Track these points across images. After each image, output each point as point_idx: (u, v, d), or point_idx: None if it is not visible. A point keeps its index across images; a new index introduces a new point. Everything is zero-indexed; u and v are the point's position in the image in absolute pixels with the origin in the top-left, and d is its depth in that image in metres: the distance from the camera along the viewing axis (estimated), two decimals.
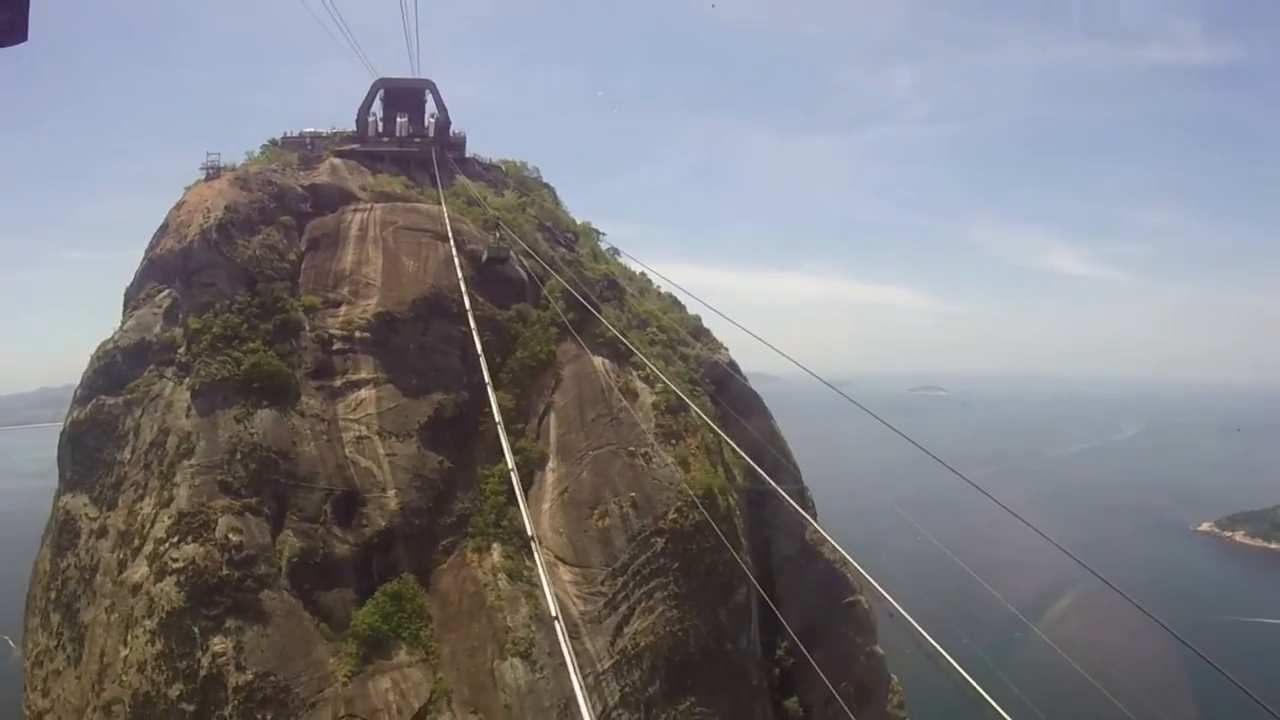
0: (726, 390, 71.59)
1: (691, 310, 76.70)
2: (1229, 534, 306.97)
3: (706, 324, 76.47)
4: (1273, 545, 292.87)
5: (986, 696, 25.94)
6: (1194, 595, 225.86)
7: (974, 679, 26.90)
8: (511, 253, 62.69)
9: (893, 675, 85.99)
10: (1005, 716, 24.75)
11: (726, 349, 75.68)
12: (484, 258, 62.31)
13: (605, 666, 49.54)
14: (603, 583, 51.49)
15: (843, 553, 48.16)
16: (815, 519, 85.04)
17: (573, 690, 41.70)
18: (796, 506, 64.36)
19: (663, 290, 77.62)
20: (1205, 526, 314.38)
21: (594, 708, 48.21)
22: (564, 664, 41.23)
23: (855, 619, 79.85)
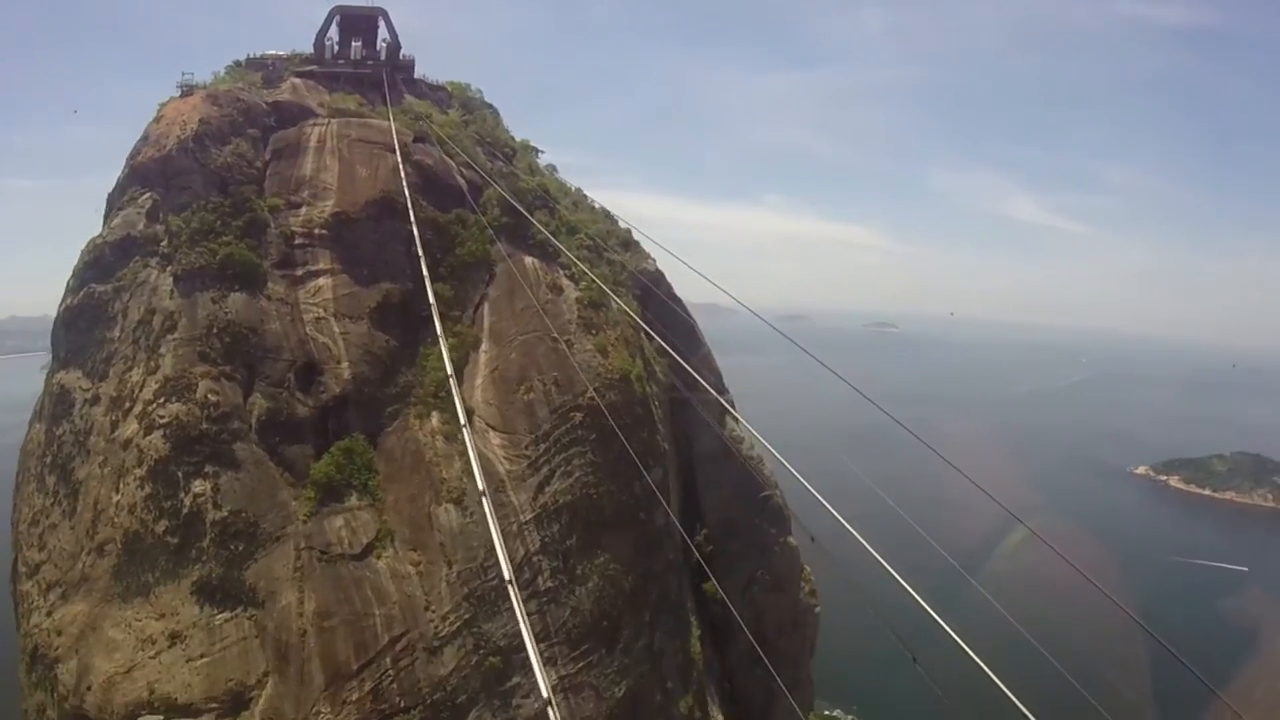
0: (652, 297, 79.96)
1: (646, 246, 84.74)
2: (1164, 478, 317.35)
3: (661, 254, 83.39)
4: (1205, 491, 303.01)
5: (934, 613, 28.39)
6: (1133, 536, 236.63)
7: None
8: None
9: (805, 565, 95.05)
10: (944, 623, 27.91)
11: (654, 259, 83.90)
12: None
13: (528, 518, 58.04)
14: (527, 448, 59.89)
15: (766, 445, 50.34)
16: (737, 422, 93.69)
17: (499, 530, 51.17)
18: (714, 391, 72.02)
19: (597, 206, 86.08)
20: (1141, 470, 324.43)
21: (518, 551, 57.02)
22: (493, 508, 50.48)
23: (770, 512, 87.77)
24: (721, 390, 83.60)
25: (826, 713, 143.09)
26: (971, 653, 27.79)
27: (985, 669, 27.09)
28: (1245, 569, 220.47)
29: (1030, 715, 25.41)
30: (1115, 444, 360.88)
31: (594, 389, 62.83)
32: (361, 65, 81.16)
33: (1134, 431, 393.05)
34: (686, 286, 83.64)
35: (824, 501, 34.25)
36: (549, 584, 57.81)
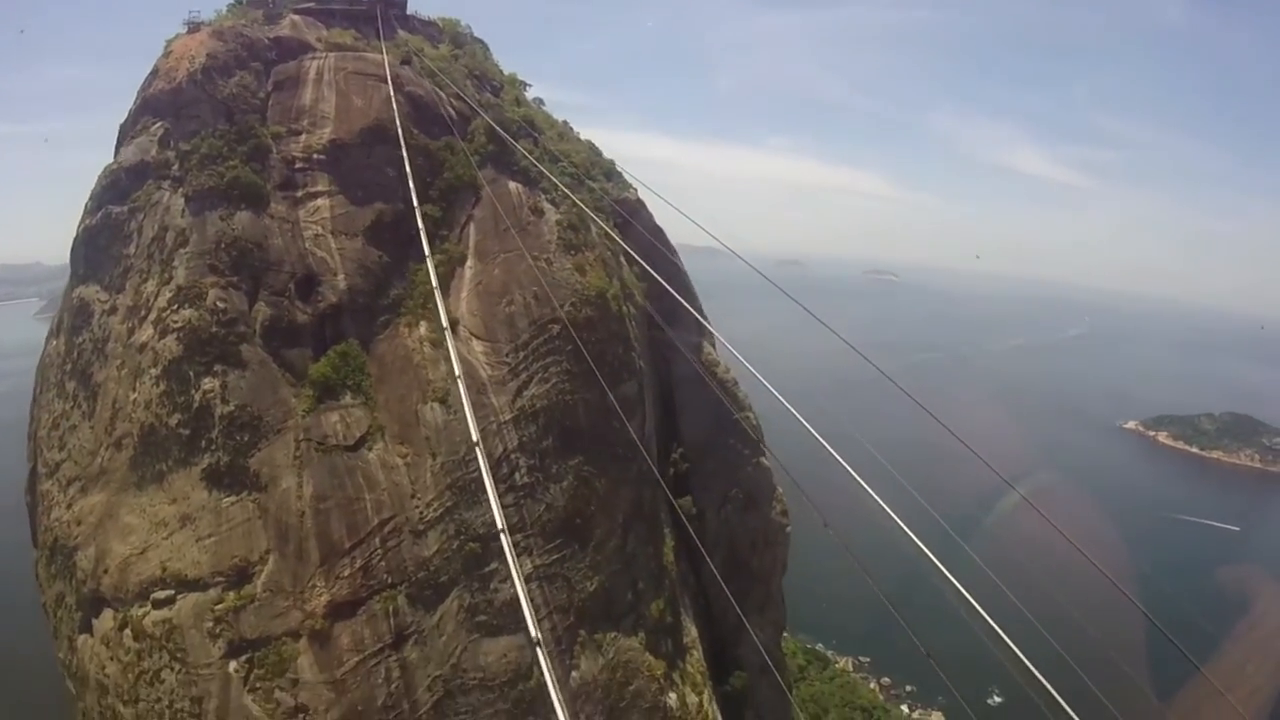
0: (633, 227, 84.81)
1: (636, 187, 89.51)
2: (1152, 433, 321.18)
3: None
4: (1192, 449, 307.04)
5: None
6: (1123, 490, 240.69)
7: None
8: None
9: (777, 486, 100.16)
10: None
11: (635, 190, 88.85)
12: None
13: (507, 418, 63.22)
14: (507, 355, 64.91)
15: (743, 362, 51.22)
16: (714, 347, 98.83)
17: (479, 427, 56.69)
18: (694, 310, 76.24)
19: (583, 138, 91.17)
20: (1131, 425, 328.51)
21: (496, 448, 62.34)
22: (473, 409, 55.92)
23: (744, 433, 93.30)
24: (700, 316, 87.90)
25: (807, 645, 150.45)
26: (967, 593, 29.13)
27: (982, 613, 28.32)
28: (1237, 529, 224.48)
29: (1020, 653, 27.41)
30: (1107, 399, 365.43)
31: (570, 304, 68.08)
32: (356, 2, 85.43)
33: (1127, 387, 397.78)
34: (683, 231, 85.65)
35: (804, 421, 36.69)
36: (525, 480, 62.91)
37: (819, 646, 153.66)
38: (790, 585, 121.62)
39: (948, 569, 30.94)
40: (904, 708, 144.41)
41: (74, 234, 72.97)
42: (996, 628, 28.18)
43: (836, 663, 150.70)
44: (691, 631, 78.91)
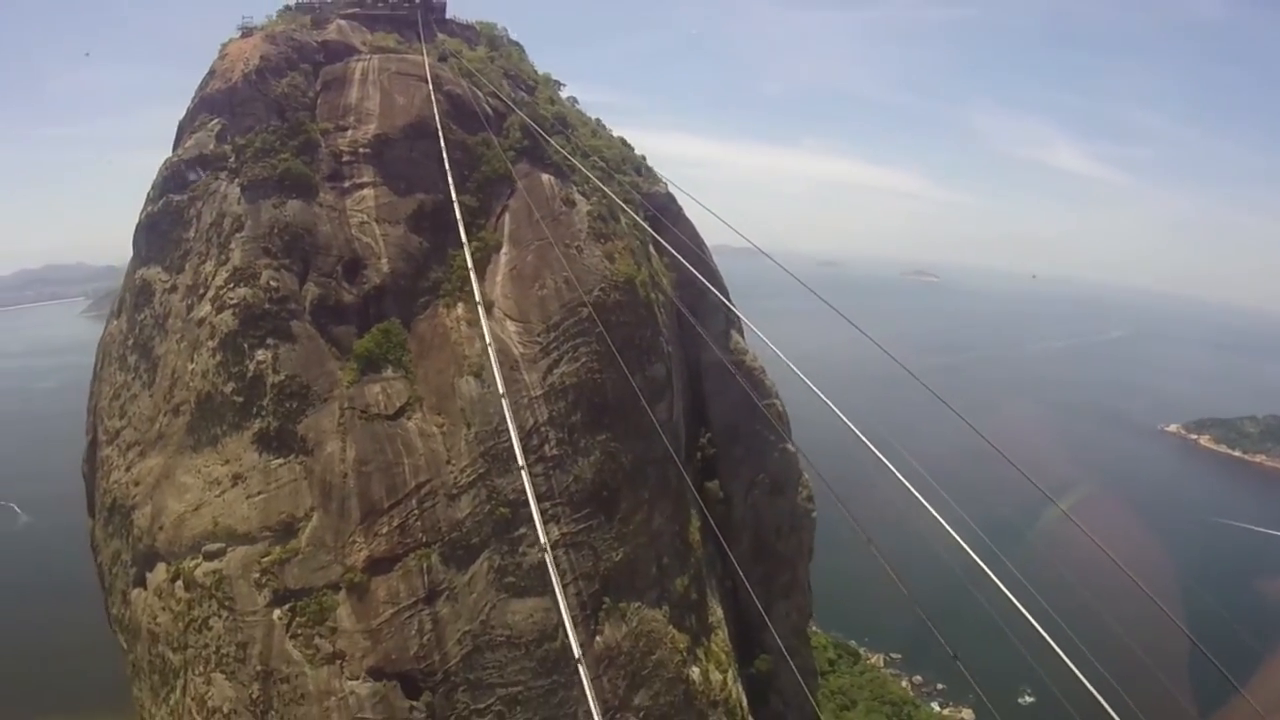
0: (665, 216, 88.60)
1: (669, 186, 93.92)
2: (1194, 436, 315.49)
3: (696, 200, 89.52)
4: (1236, 452, 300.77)
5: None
6: (1168, 495, 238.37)
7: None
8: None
9: (803, 472, 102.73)
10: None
11: (665, 184, 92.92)
12: None
13: (538, 393, 66.95)
14: (539, 335, 68.67)
15: (774, 349, 54.58)
16: (743, 336, 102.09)
17: (512, 401, 60.65)
18: (716, 291, 78.96)
19: (615, 135, 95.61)
20: (1173, 428, 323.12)
21: (527, 420, 66.25)
22: (506, 383, 60.00)
23: (772, 418, 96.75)
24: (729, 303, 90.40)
25: (838, 640, 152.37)
26: (1006, 591, 29.73)
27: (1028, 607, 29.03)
28: None
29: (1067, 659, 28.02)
30: (1148, 401, 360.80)
31: (599, 289, 71.94)
32: (398, 7, 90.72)
33: (1167, 390, 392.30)
34: (723, 232, 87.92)
35: (834, 408, 37.98)
36: (554, 452, 66.55)
37: (851, 643, 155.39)
38: (825, 585, 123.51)
39: (984, 571, 31.32)
40: (934, 705, 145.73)
41: (136, 221, 78.24)
42: (1038, 627, 28.90)
43: (868, 659, 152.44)
44: (717, 612, 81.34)
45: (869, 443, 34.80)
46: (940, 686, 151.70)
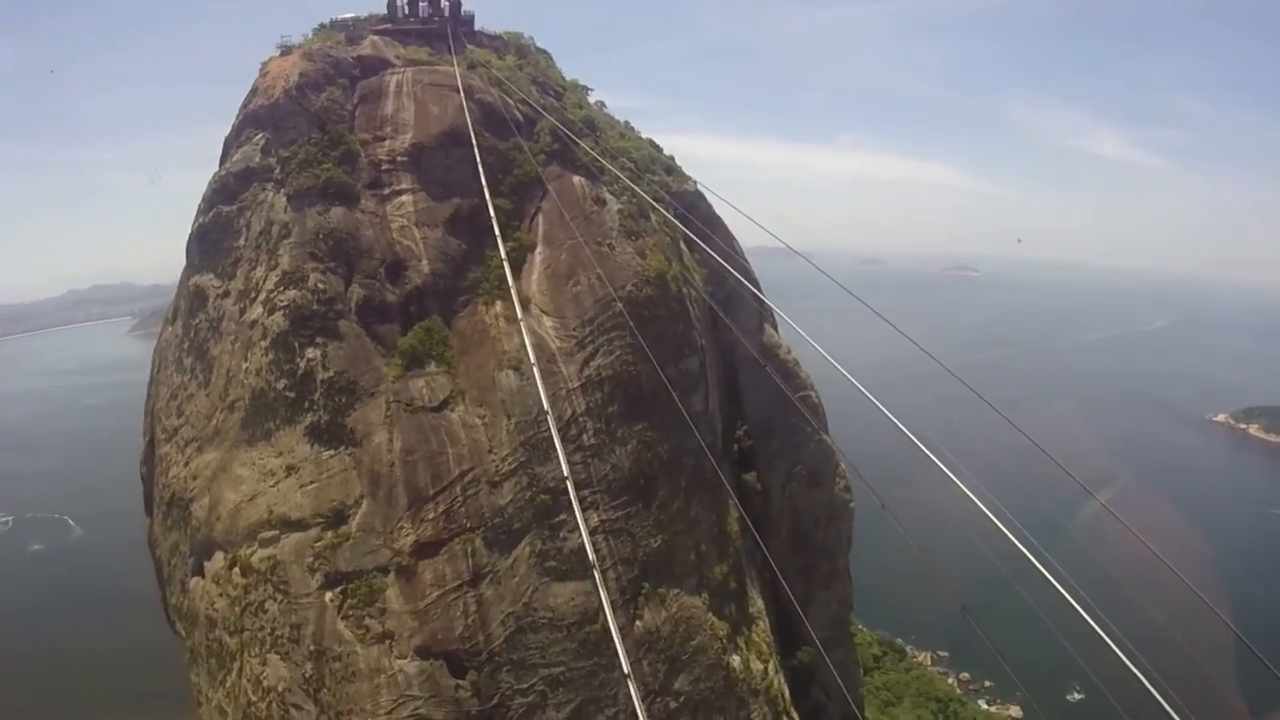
0: (695, 214, 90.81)
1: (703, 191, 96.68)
2: (1243, 426, 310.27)
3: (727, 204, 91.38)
4: None
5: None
6: (1217, 486, 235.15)
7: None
8: None
9: (840, 462, 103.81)
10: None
11: (694, 182, 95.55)
12: None
13: (575, 385, 69.07)
14: (574, 329, 70.99)
15: (809, 340, 55.19)
16: (776, 330, 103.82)
17: (550, 393, 63.20)
18: (746, 281, 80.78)
19: (643, 137, 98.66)
20: (1221, 417, 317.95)
21: (565, 411, 68.49)
22: (544, 376, 62.66)
23: (807, 411, 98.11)
24: (760, 299, 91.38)
25: (884, 638, 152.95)
26: (1059, 585, 29.11)
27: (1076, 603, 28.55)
28: None
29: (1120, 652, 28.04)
30: (1195, 391, 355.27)
31: (631, 284, 74.31)
32: (428, 22, 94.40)
33: (1214, 379, 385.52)
34: (760, 233, 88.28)
35: (869, 395, 38.28)
36: (592, 441, 68.63)
37: (898, 641, 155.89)
38: (870, 583, 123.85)
39: (1028, 567, 31.09)
40: (981, 702, 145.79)
41: (186, 234, 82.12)
42: (1092, 623, 28.76)
43: (915, 657, 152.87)
44: (758, 603, 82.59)
45: (910, 433, 34.63)
46: (988, 684, 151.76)
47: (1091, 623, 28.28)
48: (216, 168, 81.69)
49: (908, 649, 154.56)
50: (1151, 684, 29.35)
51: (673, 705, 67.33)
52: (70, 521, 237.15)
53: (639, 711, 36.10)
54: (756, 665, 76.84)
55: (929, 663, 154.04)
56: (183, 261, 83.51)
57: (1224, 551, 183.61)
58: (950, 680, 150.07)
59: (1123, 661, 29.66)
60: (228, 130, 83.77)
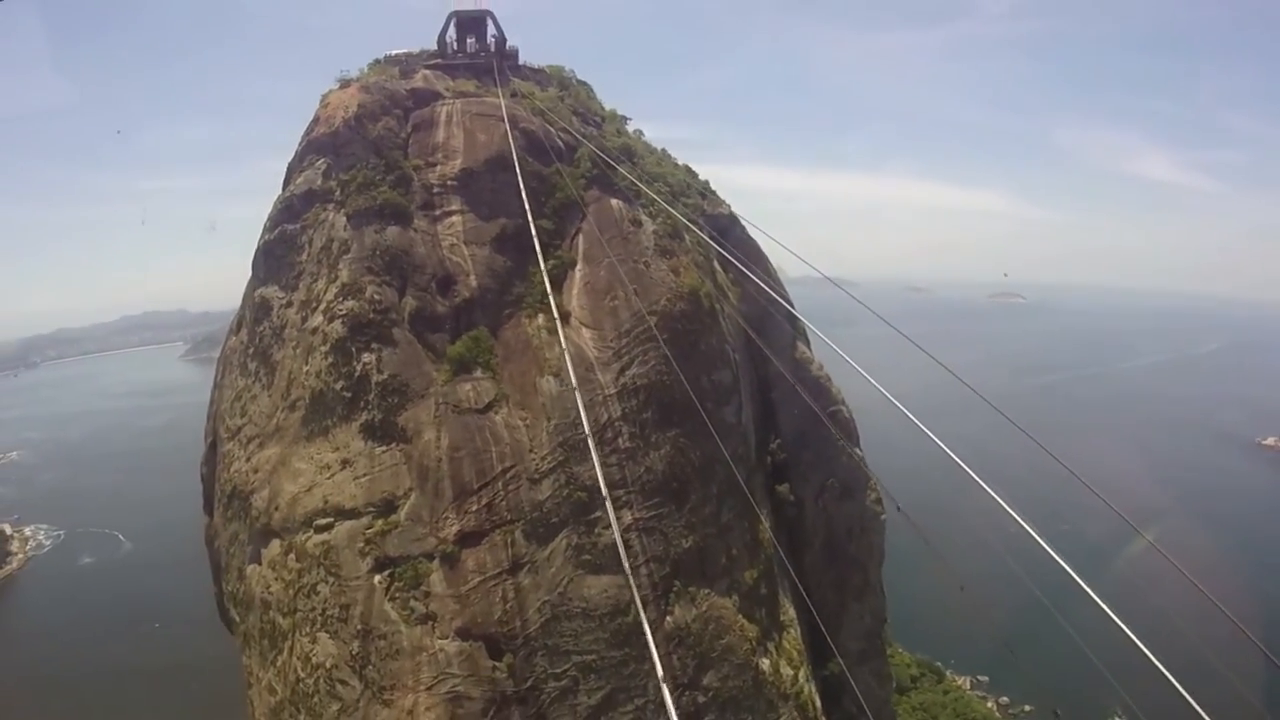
0: (728, 237, 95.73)
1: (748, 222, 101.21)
2: None
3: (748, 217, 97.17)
4: None
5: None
6: (1269, 512, 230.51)
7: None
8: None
9: (870, 475, 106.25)
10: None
11: (728, 205, 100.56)
12: None
13: (611, 392, 73.47)
14: (611, 340, 75.57)
15: (843, 355, 56.45)
16: (809, 348, 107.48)
17: (587, 399, 67.75)
18: (777, 296, 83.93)
19: (679, 164, 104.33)
20: (1270, 440, 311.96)
21: (602, 415, 72.82)
22: (582, 383, 67.33)
23: (838, 425, 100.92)
24: (793, 319, 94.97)
25: (917, 658, 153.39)
26: (1107, 608, 28.92)
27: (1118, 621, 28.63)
28: None
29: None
30: (1245, 414, 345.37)
31: (666, 299, 78.88)
32: (475, 57, 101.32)
33: (1264, 401, 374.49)
34: (801, 264, 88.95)
35: (900, 406, 39.14)
36: (627, 444, 72.65)
37: (937, 664, 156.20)
38: (908, 607, 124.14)
39: (1068, 596, 31.19)
40: None
41: (255, 247, 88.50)
42: (1145, 650, 28.38)
43: (954, 680, 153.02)
44: (789, 611, 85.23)
45: (952, 454, 33.89)
46: (1027, 708, 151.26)
47: (1144, 649, 28.29)
48: (264, 197, 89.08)
49: (947, 672, 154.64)
50: (1194, 716, 28.64)
51: (701, 700, 70.41)
52: (120, 536, 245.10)
53: (667, 702, 35.80)
54: (787, 671, 79.36)
55: (968, 686, 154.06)
56: (233, 289, 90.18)
57: (1275, 582, 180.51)
58: (990, 704, 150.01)
59: (1166, 694, 28.99)
60: (275, 162, 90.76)
